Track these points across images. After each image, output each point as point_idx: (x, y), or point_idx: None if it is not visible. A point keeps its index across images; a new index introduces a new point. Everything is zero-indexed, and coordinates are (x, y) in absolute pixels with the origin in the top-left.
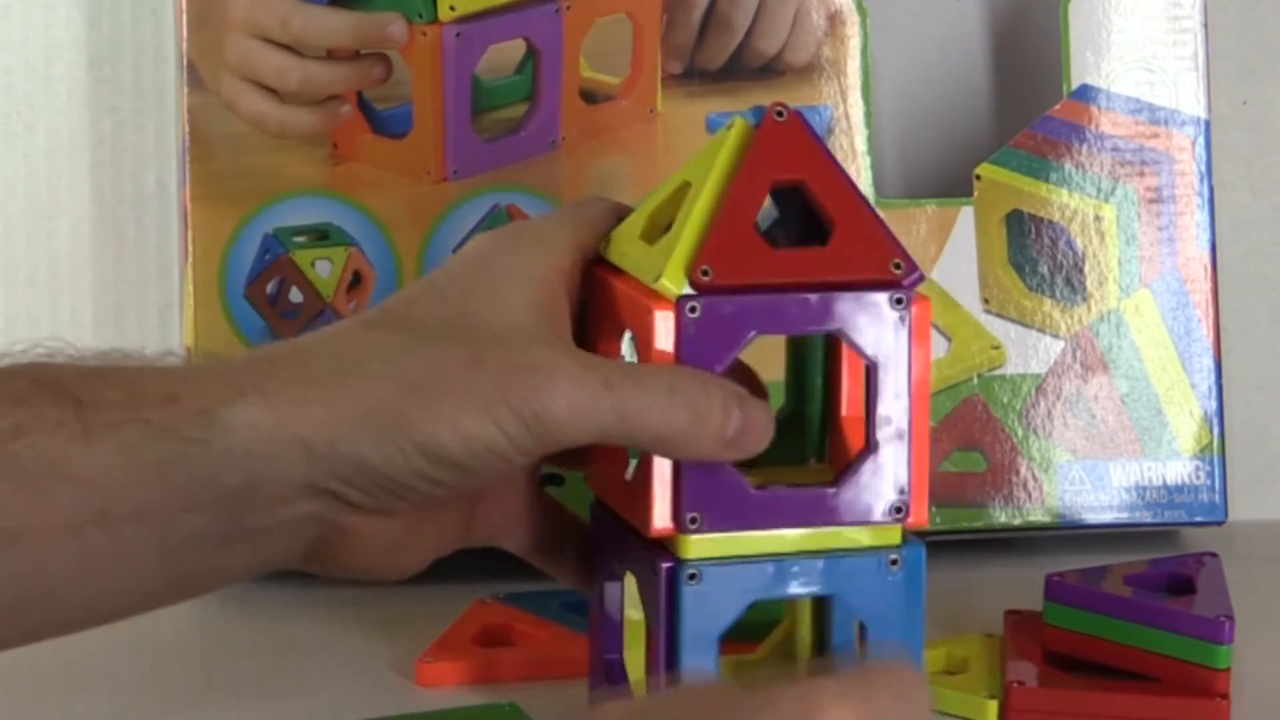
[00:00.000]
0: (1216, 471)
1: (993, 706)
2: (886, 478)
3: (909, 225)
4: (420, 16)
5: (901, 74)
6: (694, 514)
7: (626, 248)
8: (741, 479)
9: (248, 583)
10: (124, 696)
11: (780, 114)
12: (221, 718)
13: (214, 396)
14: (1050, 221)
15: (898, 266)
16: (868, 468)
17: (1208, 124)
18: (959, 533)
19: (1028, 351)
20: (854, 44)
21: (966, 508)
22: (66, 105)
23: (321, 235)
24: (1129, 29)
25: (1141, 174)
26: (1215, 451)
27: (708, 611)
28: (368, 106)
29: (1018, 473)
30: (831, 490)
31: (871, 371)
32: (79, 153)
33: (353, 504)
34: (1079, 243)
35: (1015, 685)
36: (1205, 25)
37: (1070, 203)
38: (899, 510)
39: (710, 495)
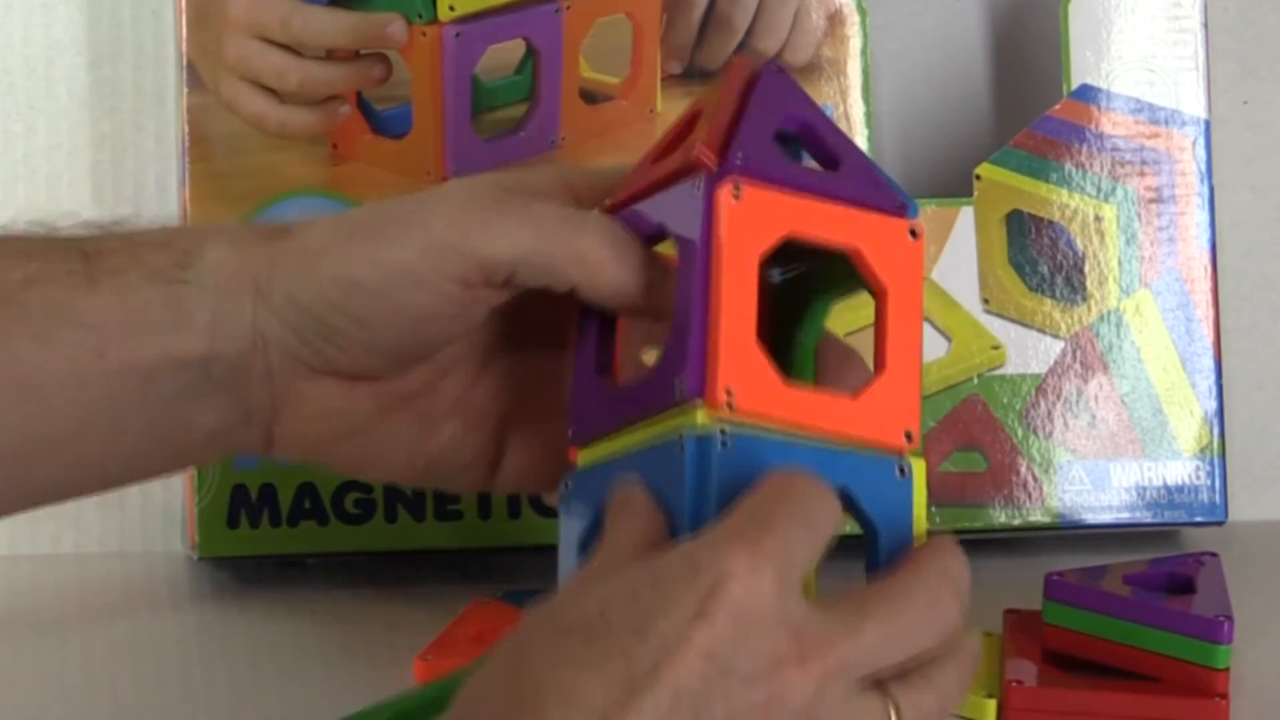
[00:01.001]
0: (1217, 471)
1: (991, 705)
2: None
3: None
4: (420, 16)
5: (901, 74)
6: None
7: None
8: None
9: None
10: (123, 696)
11: (778, 69)
12: (220, 717)
13: (194, 238)
14: (1050, 221)
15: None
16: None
17: (1208, 124)
18: (959, 533)
19: (1028, 351)
20: (854, 44)
21: (966, 508)
22: (66, 105)
23: None
24: (1129, 29)
25: (1141, 174)
26: (1215, 451)
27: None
28: (367, 106)
29: (1018, 473)
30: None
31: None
32: (79, 153)
33: (293, 356)
34: (1079, 243)
35: (1014, 684)
36: (1205, 25)
37: (1070, 203)
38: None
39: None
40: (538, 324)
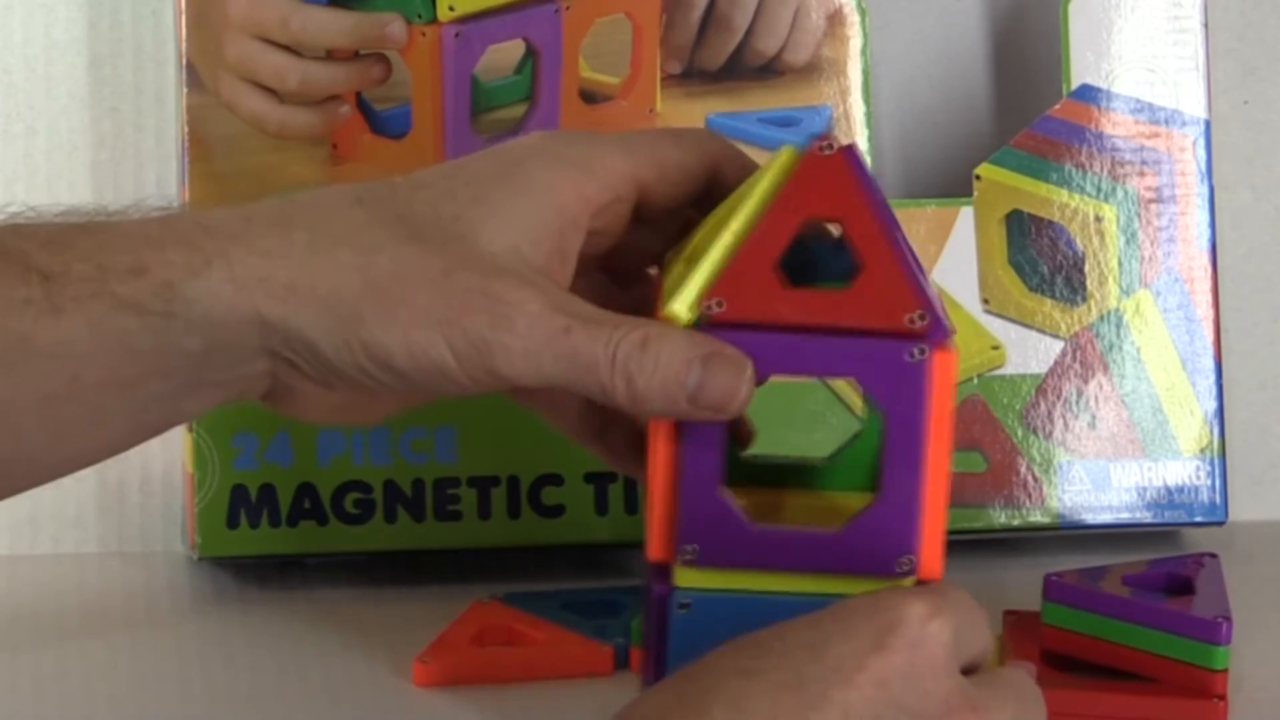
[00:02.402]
0: (1217, 472)
1: None
2: (894, 530)
3: (909, 225)
4: (419, 17)
5: (901, 74)
6: (690, 545)
7: (673, 265)
8: (741, 515)
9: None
10: (123, 696)
11: (826, 148)
12: (220, 717)
13: (179, 268)
14: (1050, 221)
15: (922, 318)
16: (874, 518)
17: (1208, 124)
18: (959, 533)
19: (1028, 351)
20: (854, 44)
21: (966, 508)
22: (66, 105)
23: None
24: (1129, 29)
25: (1141, 174)
26: (1215, 452)
27: (698, 641)
28: (367, 107)
29: (1018, 473)
30: (834, 536)
31: (884, 421)
32: (79, 153)
33: (302, 372)
34: (1079, 243)
35: None
36: (1205, 25)
37: (1070, 203)
38: (904, 564)
39: (708, 528)
40: None
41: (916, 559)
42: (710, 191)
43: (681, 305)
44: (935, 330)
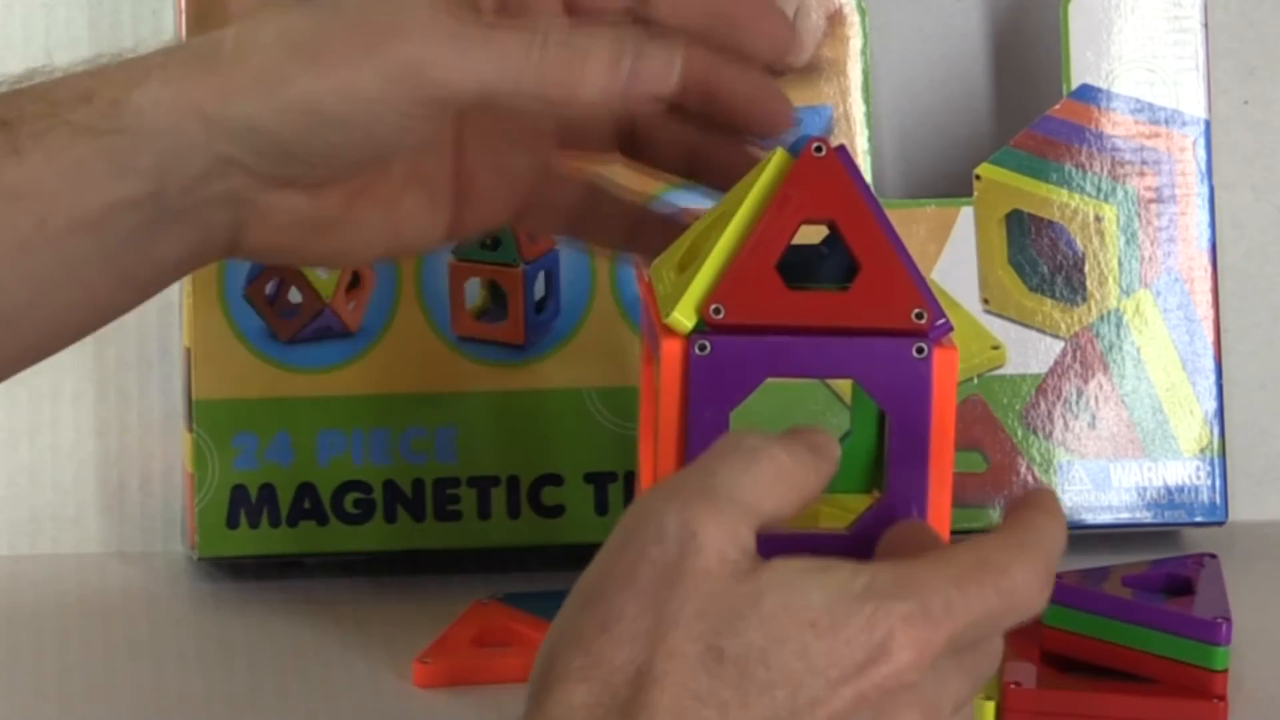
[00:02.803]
0: (1217, 472)
1: (990, 708)
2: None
3: (909, 225)
4: None
5: (901, 74)
6: None
7: (663, 272)
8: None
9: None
10: (123, 696)
11: (818, 150)
12: (220, 717)
13: (122, 84)
14: (1050, 221)
15: (920, 316)
16: (880, 517)
17: (1208, 124)
18: (959, 533)
19: (1028, 351)
20: (854, 44)
21: (966, 508)
22: None
23: None
24: (1129, 29)
25: (1141, 174)
26: (1216, 452)
27: None
28: None
29: (1018, 473)
30: (840, 538)
31: (888, 420)
32: None
33: (257, 175)
34: (1079, 243)
35: (1012, 686)
36: (1206, 25)
37: (1070, 203)
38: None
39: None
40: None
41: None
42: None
43: (682, 313)
44: (936, 326)
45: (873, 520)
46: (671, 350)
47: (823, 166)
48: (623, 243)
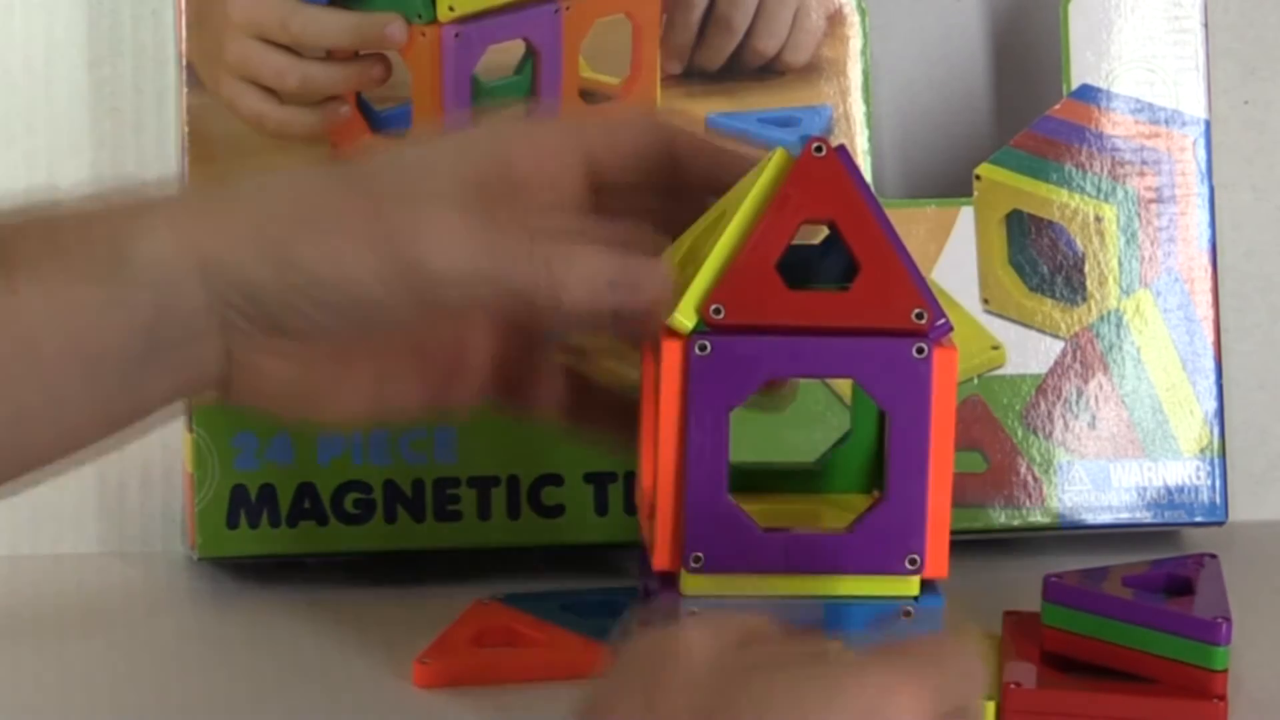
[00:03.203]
0: (1217, 472)
1: (990, 708)
2: (900, 528)
3: (909, 225)
4: (419, 17)
5: (901, 74)
6: (697, 553)
7: None
8: (748, 519)
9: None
10: (123, 697)
11: (818, 150)
12: (220, 718)
13: (125, 231)
14: (1050, 221)
15: (920, 316)
16: (881, 517)
17: (1208, 124)
18: (959, 533)
19: (1028, 351)
20: (854, 44)
21: (966, 508)
22: (66, 105)
23: None
24: (1129, 29)
25: (1141, 174)
26: (1216, 452)
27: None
28: (367, 107)
29: (1018, 473)
30: (841, 538)
31: (888, 420)
32: (79, 153)
33: (246, 334)
34: (1079, 243)
35: (1012, 686)
36: (1206, 25)
37: (1070, 203)
38: (912, 562)
39: (715, 535)
40: None
41: (923, 558)
42: (670, 173)
43: (682, 313)
44: (936, 326)
45: (871, 521)
46: (672, 350)
47: (823, 166)
48: (610, 430)
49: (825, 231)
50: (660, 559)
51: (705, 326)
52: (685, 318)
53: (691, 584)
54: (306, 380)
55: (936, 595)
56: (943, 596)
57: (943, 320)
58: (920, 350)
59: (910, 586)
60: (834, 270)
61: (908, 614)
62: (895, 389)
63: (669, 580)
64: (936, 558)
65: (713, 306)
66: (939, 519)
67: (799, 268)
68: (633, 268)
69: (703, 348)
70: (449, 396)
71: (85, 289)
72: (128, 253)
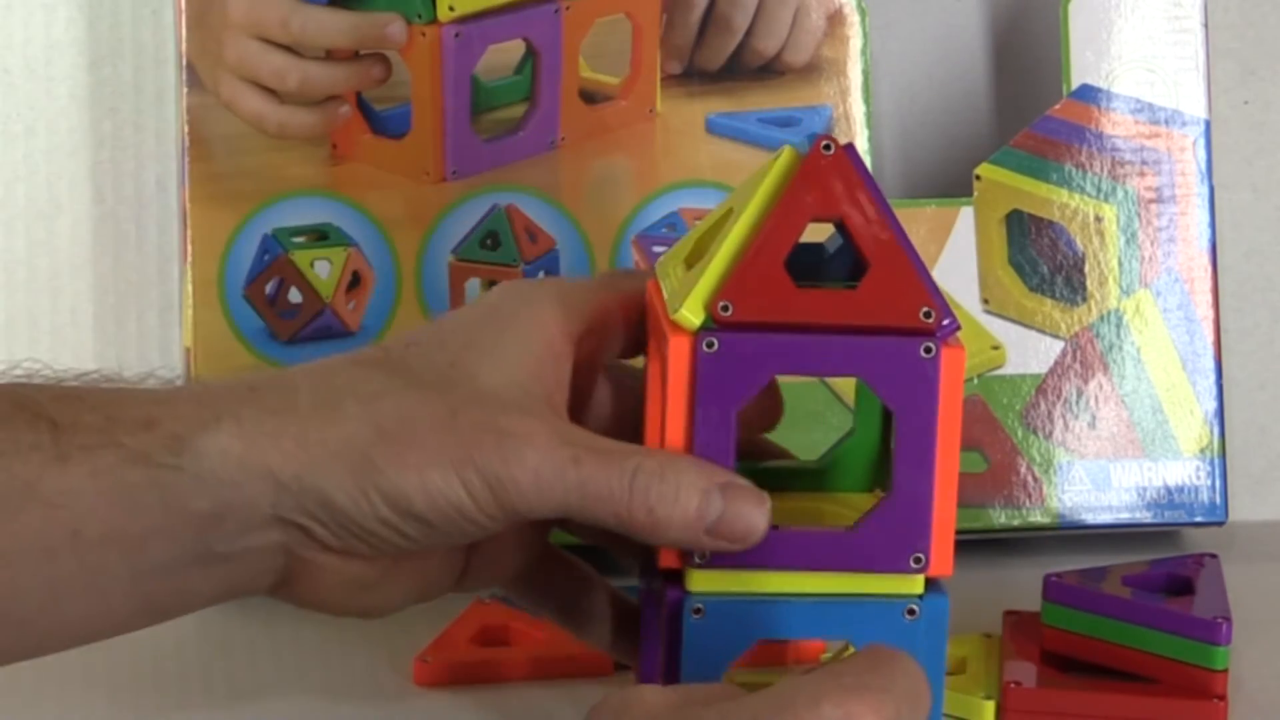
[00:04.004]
0: (1217, 472)
1: (990, 707)
2: (906, 527)
3: (909, 225)
4: (419, 17)
5: (901, 74)
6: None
7: (670, 268)
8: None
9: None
10: (121, 695)
11: (827, 148)
12: (220, 717)
13: (189, 422)
14: (1050, 221)
15: (928, 315)
16: (886, 515)
17: (1208, 124)
18: (959, 533)
19: (1028, 351)
20: (854, 44)
21: (966, 508)
22: (66, 105)
23: (321, 235)
24: (1129, 29)
25: (1141, 174)
26: (1216, 452)
27: (711, 646)
28: (367, 107)
29: (1018, 473)
30: (847, 535)
31: (895, 419)
32: (79, 153)
33: (319, 540)
34: (1079, 243)
35: (1012, 686)
36: (1206, 25)
37: (1070, 203)
38: (917, 561)
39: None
40: None
41: (928, 556)
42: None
43: (690, 310)
44: (944, 326)
45: (876, 519)
46: (680, 347)
47: (831, 165)
48: (608, 641)
49: (833, 230)
50: (667, 556)
51: (713, 324)
52: (693, 314)
53: (698, 581)
54: (360, 579)
55: (942, 594)
56: (947, 595)
57: (950, 319)
58: (928, 350)
59: (915, 585)
60: (842, 269)
61: (912, 612)
62: (902, 388)
63: (674, 578)
64: (942, 556)
65: (720, 304)
66: (944, 518)
67: (807, 266)
68: (735, 498)
69: (710, 345)
70: (470, 579)
71: (138, 472)
72: (189, 443)
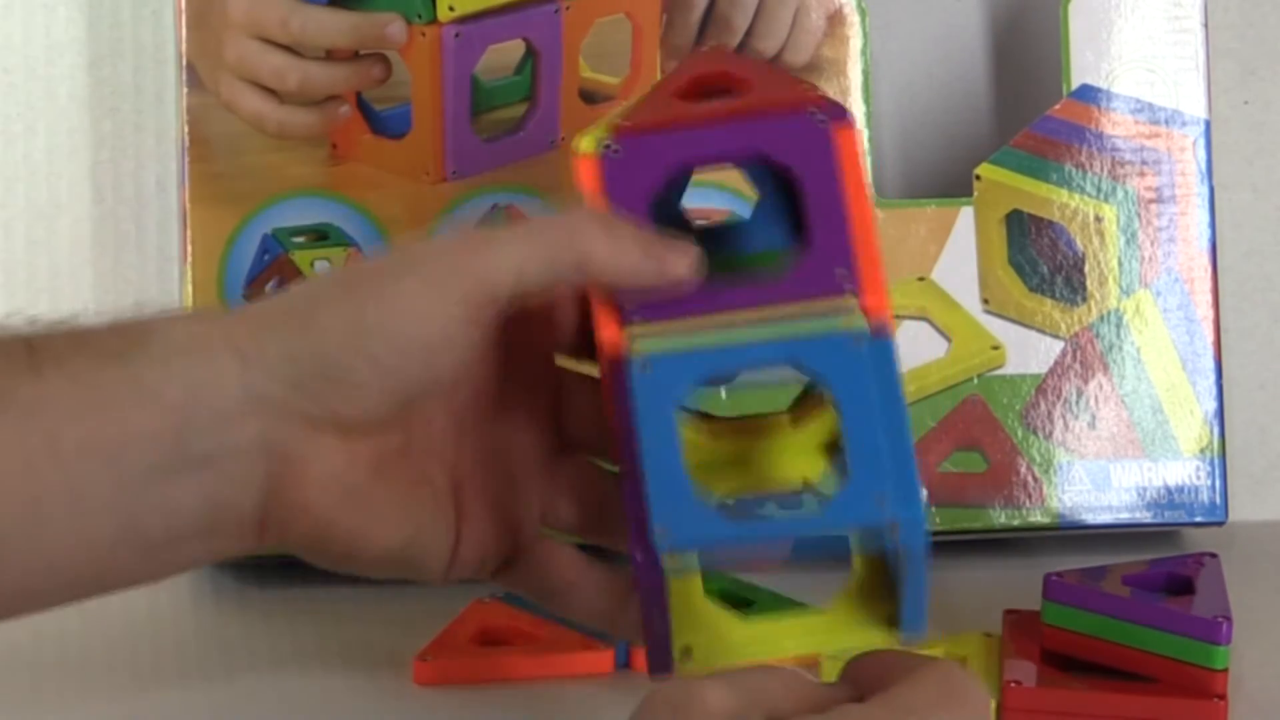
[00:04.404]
0: (1217, 472)
1: (990, 706)
2: (829, 258)
3: (909, 225)
4: (419, 17)
5: (901, 74)
6: (634, 313)
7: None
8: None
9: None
10: (121, 695)
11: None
12: (220, 717)
13: (154, 319)
14: (1050, 221)
15: (815, 112)
16: (808, 259)
17: (1208, 124)
18: (959, 533)
19: (1028, 351)
20: (854, 44)
21: (966, 508)
22: (66, 105)
23: (320, 236)
24: (1129, 29)
25: (1141, 174)
26: (1216, 452)
27: (664, 404)
28: (367, 107)
29: (1018, 473)
30: (776, 284)
31: (800, 184)
32: (79, 153)
33: (291, 415)
34: (1079, 243)
35: (1012, 685)
36: (1206, 25)
37: (1070, 203)
38: (845, 278)
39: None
40: (511, 395)
41: (858, 283)
42: None
43: (588, 139)
44: (835, 110)
45: (801, 259)
46: (588, 165)
47: (714, 50)
48: (602, 616)
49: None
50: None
51: (610, 133)
52: (591, 141)
53: (641, 342)
54: (345, 479)
55: (886, 339)
56: (891, 339)
57: (840, 108)
58: (821, 120)
59: (853, 316)
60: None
61: (857, 339)
62: (803, 155)
63: (619, 369)
64: (875, 294)
65: (618, 125)
66: (870, 263)
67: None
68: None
69: (614, 150)
70: (460, 557)
71: (111, 370)
72: (155, 331)
